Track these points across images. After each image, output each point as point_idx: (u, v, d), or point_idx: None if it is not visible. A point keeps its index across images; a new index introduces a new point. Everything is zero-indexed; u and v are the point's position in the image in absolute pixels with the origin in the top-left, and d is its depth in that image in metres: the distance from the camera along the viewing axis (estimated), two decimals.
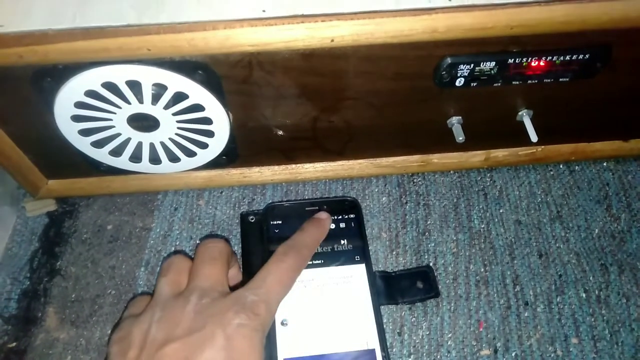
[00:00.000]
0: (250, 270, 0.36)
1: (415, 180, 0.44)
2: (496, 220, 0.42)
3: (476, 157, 0.43)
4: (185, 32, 0.29)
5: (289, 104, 0.36)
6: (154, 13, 0.29)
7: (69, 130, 0.35)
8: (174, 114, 0.35)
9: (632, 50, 0.33)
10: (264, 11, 0.29)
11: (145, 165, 0.39)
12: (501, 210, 0.43)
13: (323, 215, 0.38)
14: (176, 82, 0.32)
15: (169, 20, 0.29)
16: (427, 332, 0.37)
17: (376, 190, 0.44)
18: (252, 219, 0.40)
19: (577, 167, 0.45)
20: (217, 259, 0.32)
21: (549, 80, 0.35)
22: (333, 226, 0.38)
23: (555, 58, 0.33)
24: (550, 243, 0.41)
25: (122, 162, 0.39)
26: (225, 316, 0.28)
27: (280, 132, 0.38)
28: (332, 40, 0.29)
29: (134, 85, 0.32)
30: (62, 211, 0.43)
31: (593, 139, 0.43)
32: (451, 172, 0.45)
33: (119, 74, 0.31)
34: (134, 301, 0.33)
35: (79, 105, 0.33)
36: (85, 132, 0.36)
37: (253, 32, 0.29)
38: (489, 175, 0.45)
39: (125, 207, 0.43)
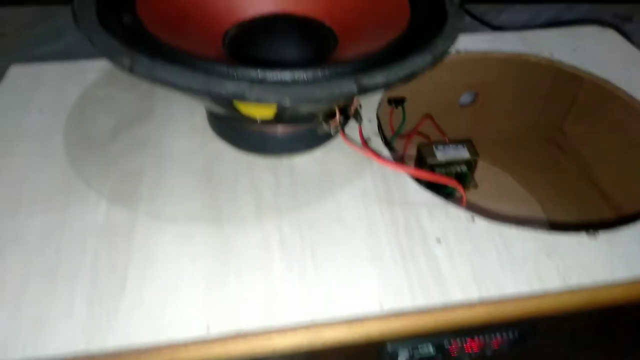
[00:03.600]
0: None
1: None
2: None
3: None
4: (132, 356, 0.30)
5: None
6: (103, 336, 0.31)
7: None
8: None
9: (555, 324, 0.36)
10: (208, 327, 0.31)
11: None
12: None
13: None
14: None
15: (116, 344, 0.30)
16: None
17: None
18: None
19: None
20: None
21: (488, 353, 0.36)
22: None
23: (487, 338, 0.35)
24: None
25: None
26: None
27: None
28: (274, 350, 0.31)
29: None
30: None
31: None
32: None
33: None
34: None
35: None
36: None
37: (196, 351, 0.30)
38: None
39: None
